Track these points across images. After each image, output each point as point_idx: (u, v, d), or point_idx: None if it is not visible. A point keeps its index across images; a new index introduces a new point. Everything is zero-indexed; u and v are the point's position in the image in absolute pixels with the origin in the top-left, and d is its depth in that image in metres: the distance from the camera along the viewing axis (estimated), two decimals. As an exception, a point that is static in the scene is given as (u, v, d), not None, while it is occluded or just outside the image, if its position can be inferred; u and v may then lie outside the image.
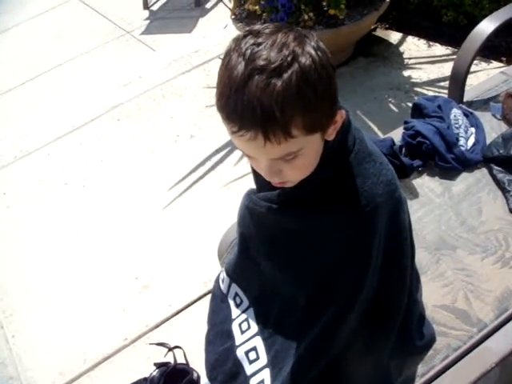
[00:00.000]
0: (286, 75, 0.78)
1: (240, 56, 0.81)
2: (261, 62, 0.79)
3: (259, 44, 0.81)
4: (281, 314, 1.13)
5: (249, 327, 1.20)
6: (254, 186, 1.18)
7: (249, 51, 0.80)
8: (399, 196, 1.03)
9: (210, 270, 2.06)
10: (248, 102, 0.79)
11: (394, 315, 1.08)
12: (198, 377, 1.70)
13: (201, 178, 2.66)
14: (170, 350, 1.89)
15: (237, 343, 1.19)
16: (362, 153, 0.97)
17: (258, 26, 0.86)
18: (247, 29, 0.87)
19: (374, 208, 0.94)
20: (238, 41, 0.84)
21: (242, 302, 1.25)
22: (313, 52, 0.81)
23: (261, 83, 0.78)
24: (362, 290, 0.99)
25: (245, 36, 0.84)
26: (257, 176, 1.11)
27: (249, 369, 1.14)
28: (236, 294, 1.27)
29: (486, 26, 1.87)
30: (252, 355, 1.15)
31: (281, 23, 0.88)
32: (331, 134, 0.91)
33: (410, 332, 1.16)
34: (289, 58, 0.79)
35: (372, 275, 0.99)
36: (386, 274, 1.02)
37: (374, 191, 0.95)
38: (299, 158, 0.86)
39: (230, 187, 2.56)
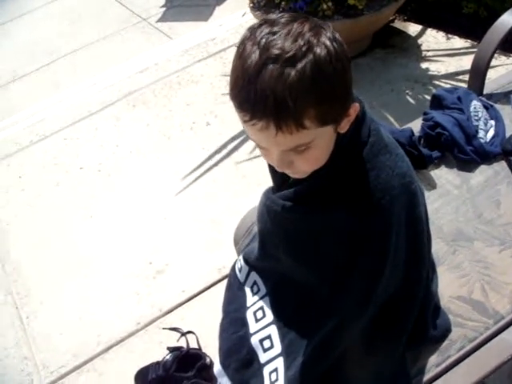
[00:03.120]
0: (300, 65, 0.78)
1: (255, 45, 0.81)
2: (275, 51, 0.78)
3: (274, 33, 0.80)
4: (300, 305, 1.12)
5: (264, 315, 1.19)
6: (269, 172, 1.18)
7: (263, 40, 0.80)
8: (415, 188, 1.02)
9: (225, 257, 2.07)
10: (261, 90, 0.78)
11: (411, 307, 1.08)
12: (211, 362, 1.72)
13: (216, 165, 2.67)
14: (183, 334, 1.90)
15: (251, 331, 1.19)
16: (378, 145, 0.97)
17: (274, 16, 0.85)
18: (263, 18, 0.86)
19: (389, 201, 0.94)
20: (253, 29, 0.84)
21: (259, 290, 1.25)
22: (328, 43, 0.81)
23: (274, 72, 0.78)
24: (380, 283, 0.98)
25: (260, 25, 0.84)
26: (274, 174, 1.11)
27: (263, 357, 1.14)
28: (254, 283, 1.26)
29: (510, 18, 1.85)
30: (266, 343, 1.15)
31: (298, 13, 0.88)
32: (344, 127, 0.91)
33: (425, 322, 1.16)
34: (303, 48, 0.78)
35: (392, 269, 0.99)
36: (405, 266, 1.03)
37: (389, 184, 0.94)
38: (311, 149, 0.86)
39: (244, 175, 2.56)
